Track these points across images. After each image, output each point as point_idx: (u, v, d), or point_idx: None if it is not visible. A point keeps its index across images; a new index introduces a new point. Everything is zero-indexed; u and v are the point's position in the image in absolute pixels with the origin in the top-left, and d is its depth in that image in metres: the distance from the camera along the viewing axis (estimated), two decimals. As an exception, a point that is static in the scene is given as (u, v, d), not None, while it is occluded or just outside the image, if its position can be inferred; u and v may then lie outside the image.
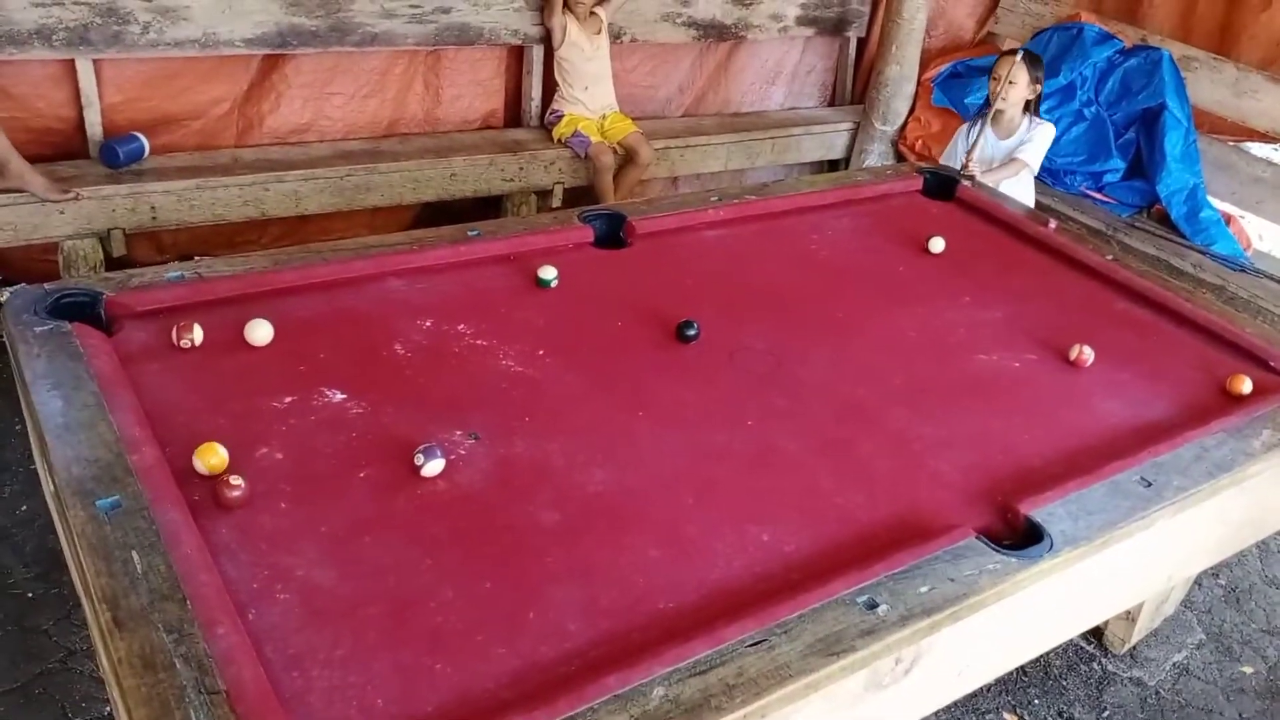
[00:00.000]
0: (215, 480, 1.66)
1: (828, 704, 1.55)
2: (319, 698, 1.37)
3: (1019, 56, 3.67)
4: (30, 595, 2.61)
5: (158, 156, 3.52)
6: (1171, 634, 2.95)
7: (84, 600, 1.58)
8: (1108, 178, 4.61)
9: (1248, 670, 2.89)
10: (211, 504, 1.65)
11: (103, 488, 1.60)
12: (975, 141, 3.67)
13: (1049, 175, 4.72)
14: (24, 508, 2.85)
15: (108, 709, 2.32)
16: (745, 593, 1.64)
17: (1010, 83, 3.67)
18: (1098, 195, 4.61)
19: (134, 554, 1.49)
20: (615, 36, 4.29)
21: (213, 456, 1.71)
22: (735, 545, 1.75)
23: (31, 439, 1.90)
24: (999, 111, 3.72)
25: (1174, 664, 2.86)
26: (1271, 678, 2.88)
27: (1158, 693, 2.75)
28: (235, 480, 1.65)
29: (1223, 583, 3.21)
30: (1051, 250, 3.04)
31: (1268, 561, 3.34)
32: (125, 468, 1.64)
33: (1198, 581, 3.08)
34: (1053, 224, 3.15)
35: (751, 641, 1.51)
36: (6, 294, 3.59)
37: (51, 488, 1.71)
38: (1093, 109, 4.67)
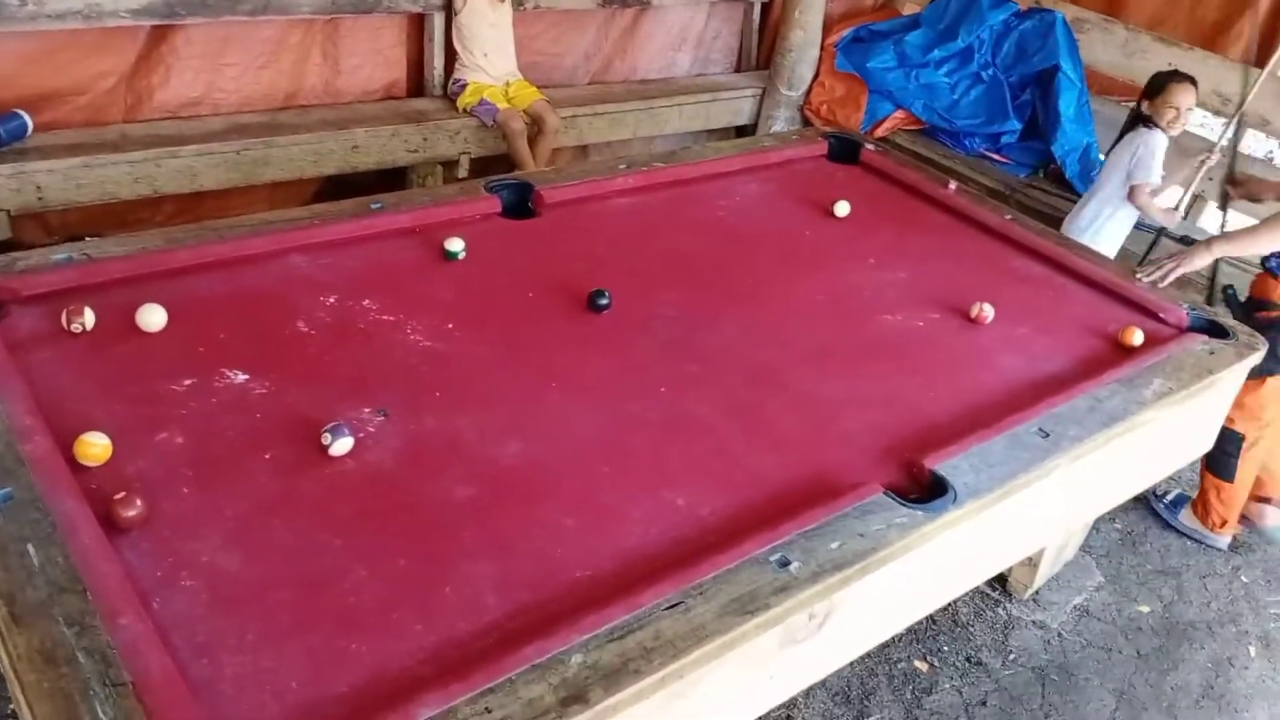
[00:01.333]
0: (110, 501, 1.56)
1: (745, 662, 1.58)
2: (229, 685, 1.34)
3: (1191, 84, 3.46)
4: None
5: (42, 134, 3.36)
6: (1072, 578, 3.07)
7: (-22, 597, 1.52)
8: (1005, 139, 4.73)
9: (1144, 609, 3.03)
10: (109, 493, 1.60)
11: (-7, 480, 1.54)
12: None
13: (949, 137, 4.82)
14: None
15: (10, 707, 2.24)
16: (661, 557, 1.65)
17: (1188, 109, 3.48)
18: (996, 156, 4.72)
19: (29, 546, 1.44)
20: (519, 3, 4.22)
21: (89, 450, 1.65)
22: (650, 511, 1.77)
23: (-87, 432, 1.81)
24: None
25: (1075, 606, 2.98)
26: (1166, 616, 3.03)
27: (1060, 634, 2.87)
28: (129, 508, 1.56)
29: (1119, 526, 3.35)
30: (952, 211, 3.11)
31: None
32: (16, 458, 1.58)
33: (1095, 526, 3.20)
34: (952, 186, 3.22)
35: (668, 604, 1.53)
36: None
37: (-63, 482, 1.64)
38: (990, 71, 4.78)
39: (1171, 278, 2.82)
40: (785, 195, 3.11)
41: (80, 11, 3.30)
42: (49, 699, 1.26)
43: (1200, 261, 2.89)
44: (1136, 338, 2.50)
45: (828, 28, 5.05)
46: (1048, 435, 2.07)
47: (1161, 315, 2.64)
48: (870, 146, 3.44)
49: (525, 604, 1.55)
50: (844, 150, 3.43)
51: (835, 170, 3.36)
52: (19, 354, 1.87)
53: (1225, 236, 3.10)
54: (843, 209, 2.99)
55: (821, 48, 5.03)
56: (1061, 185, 4.54)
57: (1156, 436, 2.36)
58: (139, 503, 1.57)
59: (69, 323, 1.95)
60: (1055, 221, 4.24)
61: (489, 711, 1.34)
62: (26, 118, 3.33)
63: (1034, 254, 2.91)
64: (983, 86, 4.77)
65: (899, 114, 4.88)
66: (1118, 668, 2.80)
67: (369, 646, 1.44)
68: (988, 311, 2.52)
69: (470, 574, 1.59)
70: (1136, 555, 3.26)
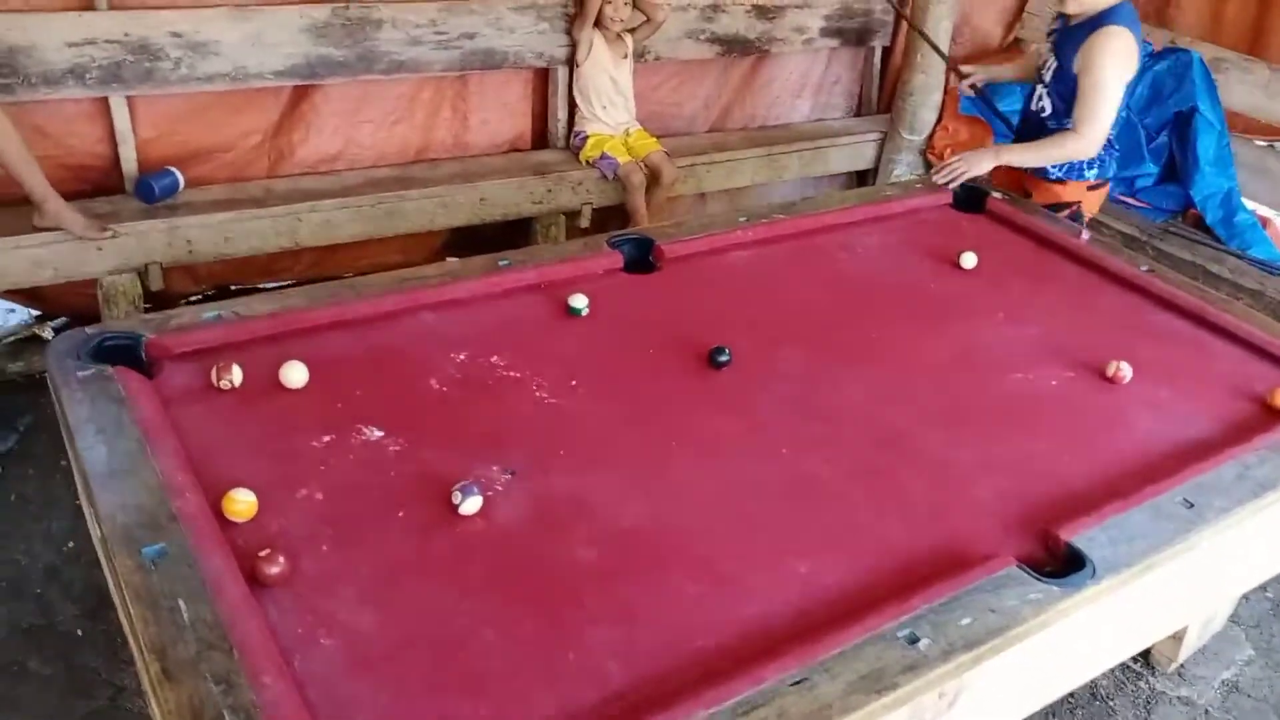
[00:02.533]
0: (255, 558, 1.63)
1: (872, 739, 1.54)
2: (364, 746, 1.38)
3: None
4: (79, 633, 2.65)
5: (192, 190, 3.57)
6: (1220, 650, 2.90)
7: (133, 647, 1.60)
8: (1141, 182, 4.55)
9: (1298, 686, 2.85)
10: (253, 549, 1.66)
11: (148, 535, 1.62)
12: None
13: (1080, 181, 4.68)
14: (70, 544, 2.90)
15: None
16: (785, 629, 1.63)
17: None
18: (1132, 200, 4.56)
19: (180, 602, 1.51)
20: (639, 55, 4.30)
21: (236, 506, 1.73)
22: (773, 579, 1.75)
23: (78, 483, 1.93)
24: None
25: (1223, 681, 2.82)
26: (1323, 692, 2.84)
27: (1207, 711, 2.71)
28: (273, 565, 1.62)
29: (1270, 596, 3.16)
30: (1085, 262, 3.01)
31: (1315, 572, 3.28)
32: (169, 514, 1.67)
33: (1245, 596, 3.03)
34: (1085, 235, 3.12)
35: (793, 681, 1.51)
36: (49, 332, 3.69)
37: (99, 534, 1.74)
38: (1123, 114, 4.61)
39: (959, 180, 3.13)
40: (909, 246, 3.06)
41: (228, 74, 3.51)
42: (197, 754, 1.31)
43: (985, 165, 3.17)
44: (1288, 399, 2.37)
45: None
46: (1192, 506, 1.97)
47: (1315, 375, 2.50)
48: (997, 195, 3.36)
49: (647, 674, 1.54)
50: (970, 199, 3.36)
51: (961, 219, 3.30)
52: (171, 410, 1.98)
53: (1009, 147, 3.34)
54: (969, 260, 2.93)
55: (945, 91, 4.95)
56: (1202, 230, 4.35)
57: (1313, 506, 2.22)
58: (282, 560, 1.63)
59: (218, 379, 2.05)
60: (1195, 271, 4.08)
61: (613, 785, 1.34)
62: (179, 175, 3.54)
63: (1174, 308, 2.78)
64: (1116, 128, 4.61)
65: (1026, 158, 4.75)
66: (1271, 750, 2.63)
67: (496, 712, 1.46)
68: (1125, 371, 2.42)
69: (593, 640, 1.60)
70: (1289, 627, 3.07)
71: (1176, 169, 4.47)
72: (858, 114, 5.32)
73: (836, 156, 5.04)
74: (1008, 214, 3.26)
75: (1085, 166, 3.30)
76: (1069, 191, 3.28)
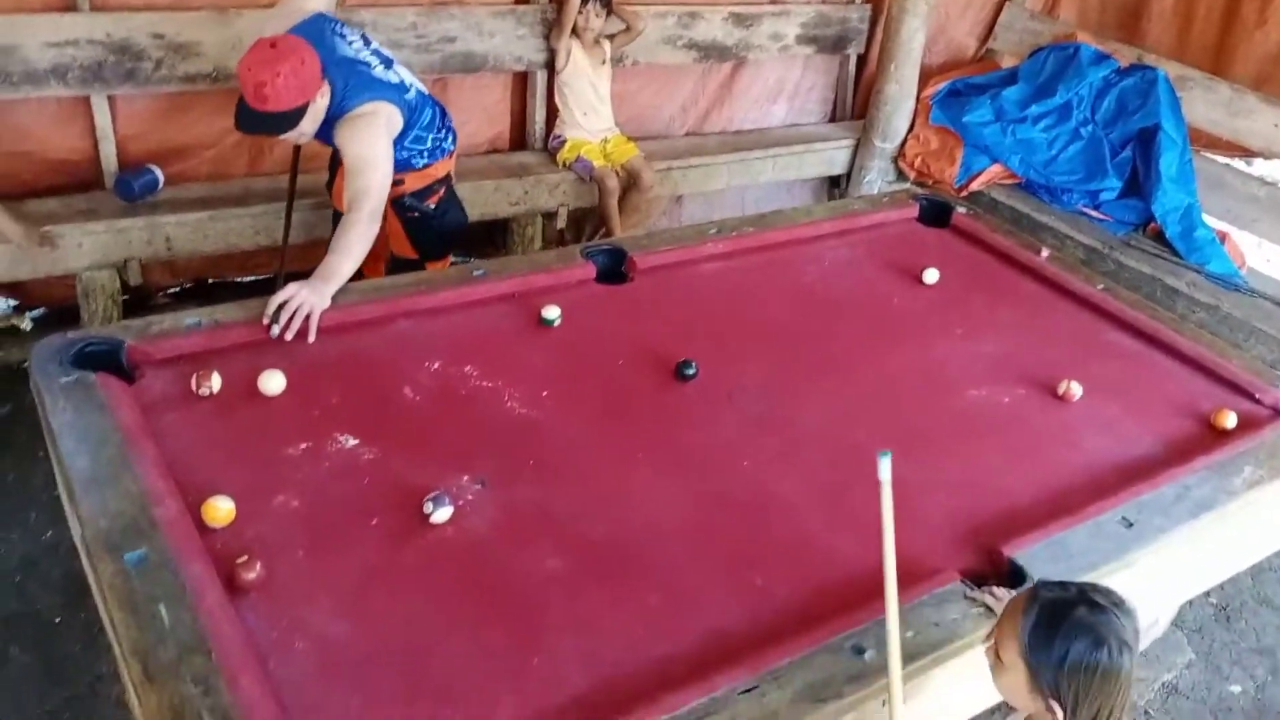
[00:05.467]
0: (233, 564, 1.70)
1: (816, 747, 1.63)
2: (336, 750, 1.45)
3: None
4: (57, 620, 2.70)
5: (171, 187, 3.59)
6: (1161, 654, 3.02)
7: (115, 649, 1.67)
8: (1104, 195, 4.67)
9: (1236, 690, 2.97)
10: (231, 555, 1.73)
11: (129, 541, 1.69)
12: None
13: (1046, 192, 4.79)
14: (49, 534, 2.94)
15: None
16: (739, 638, 1.72)
17: None
18: (1094, 213, 4.67)
19: (161, 607, 1.58)
20: (618, 60, 4.36)
21: (214, 513, 1.80)
22: (730, 590, 1.84)
23: (60, 488, 1.99)
24: None
25: (1164, 684, 2.94)
26: (1259, 697, 2.96)
27: (1147, 713, 2.83)
28: (250, 571, 1.69)
29: (1214, 601, 3.28)
30: (1044, 280, 3.12)
31: (1260, 580, 3.41)
32: (150, 521, 1.73)
33: (1189, 601, 3.15)
34: (1045, 253, 3.22)
35: (744, 689, 1.59)
36: (28, 323, 3.71)
37: (80, 535, 1.80)
38: (1089, 128, 4.74)
39: (303, 325, 2.33)
40: (874, 260, 3.15)
41: (209, 74, 3.54)
42: (176, 756, 1.38)
43: (326, 295, 2.40)
44: (1230, 420, 2.48)
45: (924, 80, 5.07)
46: (1131, 525, 2.07)
47: (1258, 397, 2.61)
48: (962, 210, 3.46)
49: (607, 680, 1.63)
50: (935, 213, 3.45)
51: (926, 234, 3.39)
52: (151, 416, 2.03)
53: (326, 267, 2.51)
54: (931, 276, 3.03)
55: (917, 100, 5.05)
56: (1162, 244, 4.47)
57: (1248, 523, 2.33)
58: (259, 566, 1.70)
59: (198, 386, 2.11)
60: (1154, 284, 4.20)
61: (571, 787, 1.42)
62: (158, 173, 3.56)
63: (1127, 327, 2.89)
64: (1081, 143, 4.73)
65: (995, 168, 4.86)
66: (1206, 752, 2.75)
67: (464, 716, 1.54)
68: (1075, 389, 2.52)
69: (557, 647, 1.68)
70: (1231, 632, 3.19)
71: (1139, 183, 4.59)
72: (832, 119, 5.40)
73: (810, 161, 5.13)
74: (971, 229, 3.36)
75: (442, 142, 3.16)
76: (439, 168, 3.16)
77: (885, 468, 1.57)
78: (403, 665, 1.61)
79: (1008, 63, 5.23)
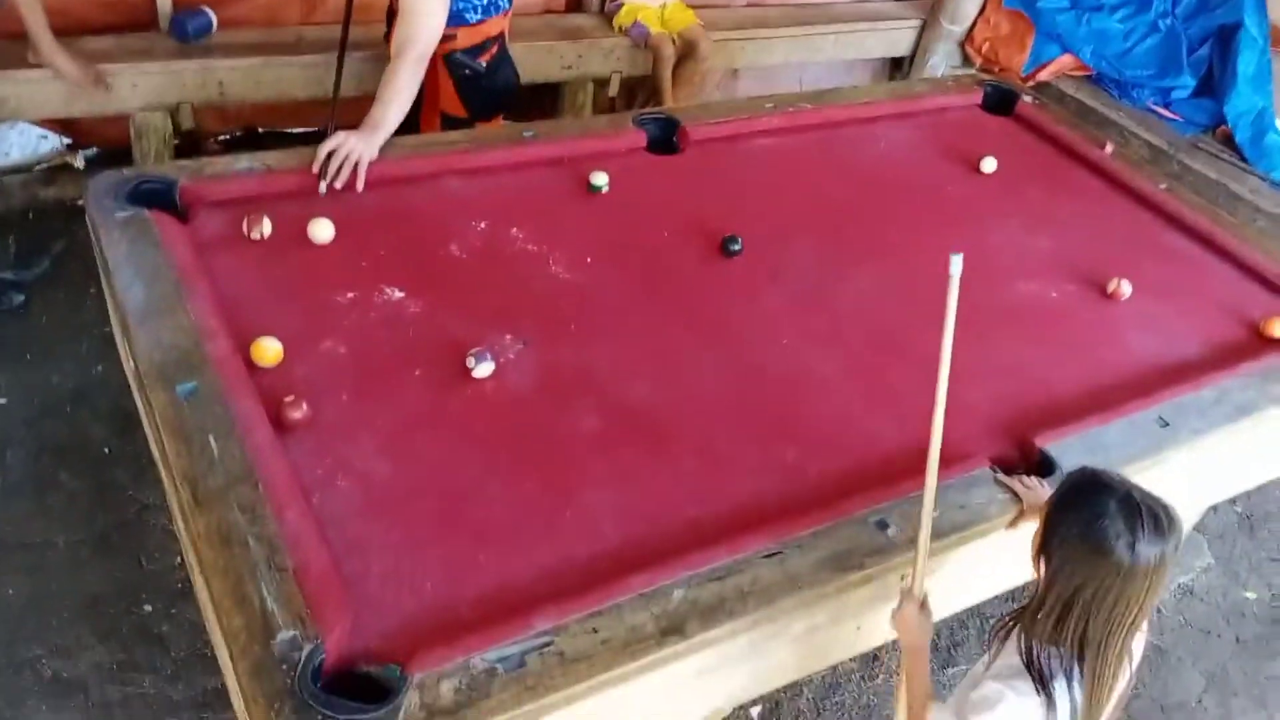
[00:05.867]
0: (280, 402, 1.75)
1: (835, 613, 1.70)
2: (375, 581, 1.52)
3: None
4: (107, 450, 2.81)
5: (225, 31, 3.56)
6: (1180, 556, 3.04)
7: (164, 475, 1.74)
8: (1176, 94, 4.49)
9: (1251, 595, 3.01)
10: (278, 394, 1.78)
11: (182, 373, 1.74)
12: None
13: (1116, 86, 4.62)
14: (99, 368, 3.04)
15: (178, 559, 2.53)
16: (768, 508, 1.76)
17: None
18: (1164, 111, 4.51)
19: (210, 438, 1.64)
20: (682, -78, 4.21)
21: (264, 353, 1.84)
22: (763, 462, 1.87)
23: (113, 320, 2.05)
24: None
25: (1180, 585, 2.98)
26: (1275, 604, 3.00)
27: (1159, 611, 2.87)
28: (297, 411, 1.74)
29: (1239, 509, 3.29)
30: (1106, 176, 3.03)
31: (1288, 491, 3.40)
32: (202, 356, 1.78)
33: (1214, 507, 3.16)
34: (1109, 148, 3.12)
35: (767, 553, 1.64)
36: (81, 161, 3.75)
37: (133, 367, 1.86)
38: (1167, 21, 4.53)
39: (354, 173, 2.35)
40: (933, 145, 3.08)
41: (266, -84, 3.47)
42: (223, 576, 1.46)
43: (375, 145, 2.40)
44: (1279, 329, 2.44)
45: (1000, -38, 4.85)
46: (1167, 424, 2.07)
47: (1312, 306, 2.56)
48: (1027, 99, 3.35)
49: (638, 536, 1.68)
50: (1000, 100, 3.35)
51: (989, 121, 3.30)
52: (204, 256, 2.07)
53: (375, 115, 2.50)
54: (990, 165, 2.95)
55: (990, -18, 4.84)
56: (1230, 148, 4.32)
57: (1286, 432, 2.32)
58: (305, 405, 1.75)
59: (249, 230, 2.14)
60: (1216, 188, 4.08)
61: (595, 632, 1.48)
62: (212, 15, 3.53)
63: (1185, 229, 2.82)
64: (1158, 36, 4.53)
65: (1065, 59, 4.68)
66: (1214, 651, 2.80)
67: (496, 558, 1.60)
68: (1125, 288, 2.49)
69: (591, 502, 1.73)
70: (1253, 540, 3.21)
71: (1213, 83, 4.40)
72: (898, -1, 5.20)
73: (873, 41, 4.96)
74: (1035, 119, 3.26)
75: (498, 0, 3.03)
76: (492, 26, 3.06)
77: (957, 264, 1.64)
78: (440, 506, 1.67)
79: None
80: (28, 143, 4.12)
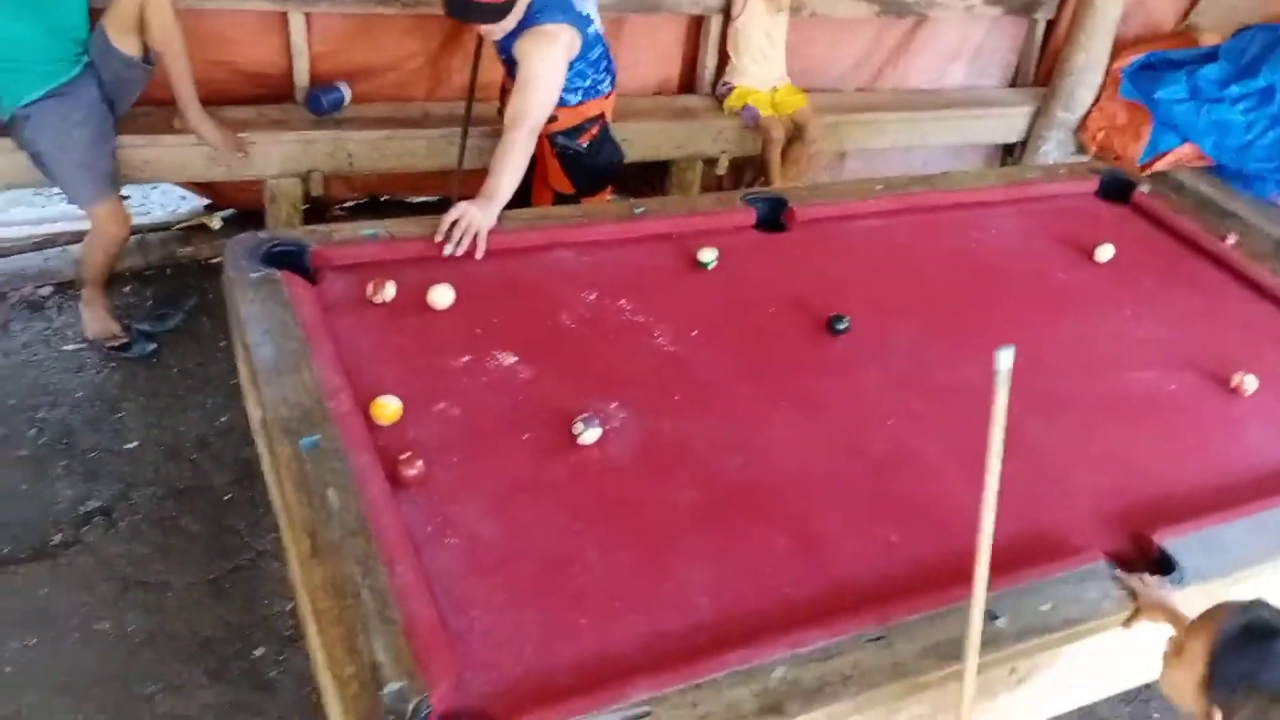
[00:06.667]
0: (396, 460, 1.81)
1: (936, 703, 1.64)
2: (478, 639, 1.55)
3: None
4: (227, 497, 2.93)
5: (356, 105, 3.76)
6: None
7: (283, 524, 1.81)
8: (1309, 184, 4.37)
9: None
10: (394, 452, 1.84)
11: (305, 428, 1.82)
12: None
13: (1238, 178, 4.51)
14: (224, 419, 3.18)
15: (289, 605, 2.61)
16: (869, 590, 1.73)
17: None
18: (1290, 204, 4.38)
19: (330, 491, 1.70)
20: (795, 10, 4.30)
21: (383, 411, 1.91)
22: (863, 543, 1.85)
23: (241, 372, 2.15)
24: None
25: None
26: None
27: None
28: (411, 468, 1.80)
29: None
30: (1226, 267, 2.95)
31: None
32: (324, 413, 1.86)
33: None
34: (1231, 239, 3.05)
35: (871, 637, 1.61)
36: (218, 222, 3.98)
37: (260, 419, 1.94)
38: (1295, 107, 4.42)
39: (474, 243, 2.46)
40: (1045, 232, 3.05)
41: (400, -1, 3.68)
42: (336, 625, 1.50)
43: (492, 215, 2.52)
44: None
45: (1116, 51, 4.81)
46: (1295, 527, 1.98)
47: None
48: (1144, 188, 3.30)
49: (734, 612, 1.67)
50: (1116, 189, 3.30)
51: (1103, 209, 3.25)
52: (329, 317, 2.17)
53: (490, 186, 2.63)
54: (1105, 253, 2.91)
55: (1107, 72, 4.80)
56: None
57: None
58: (420, 464, 1.81)
59: (374, 293, 2.24)
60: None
61: (694, 706, 1.47)
62: (345, 91, 3.74)
63: (1314, 325, 2.72)
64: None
65: (1185, 148, 4.60)
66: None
67: (593, 626, 1.61)
68: (1250, 383, 2.40)
69: (687, 575, 1.73)
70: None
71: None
72: (1012, 85, 5.19)
73: (984, 126, 4.96)
74: (1153, 209, 3.21)
75: (600, 83, 3.17)
76: (591, 108, 3.17)
77: (1006, 359, 1.46)
78: (541, 570, 1.69)
79: (1208, 40, 4.89)
80: (169, 203, 4.41)
